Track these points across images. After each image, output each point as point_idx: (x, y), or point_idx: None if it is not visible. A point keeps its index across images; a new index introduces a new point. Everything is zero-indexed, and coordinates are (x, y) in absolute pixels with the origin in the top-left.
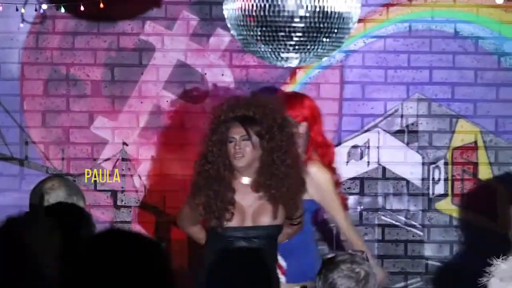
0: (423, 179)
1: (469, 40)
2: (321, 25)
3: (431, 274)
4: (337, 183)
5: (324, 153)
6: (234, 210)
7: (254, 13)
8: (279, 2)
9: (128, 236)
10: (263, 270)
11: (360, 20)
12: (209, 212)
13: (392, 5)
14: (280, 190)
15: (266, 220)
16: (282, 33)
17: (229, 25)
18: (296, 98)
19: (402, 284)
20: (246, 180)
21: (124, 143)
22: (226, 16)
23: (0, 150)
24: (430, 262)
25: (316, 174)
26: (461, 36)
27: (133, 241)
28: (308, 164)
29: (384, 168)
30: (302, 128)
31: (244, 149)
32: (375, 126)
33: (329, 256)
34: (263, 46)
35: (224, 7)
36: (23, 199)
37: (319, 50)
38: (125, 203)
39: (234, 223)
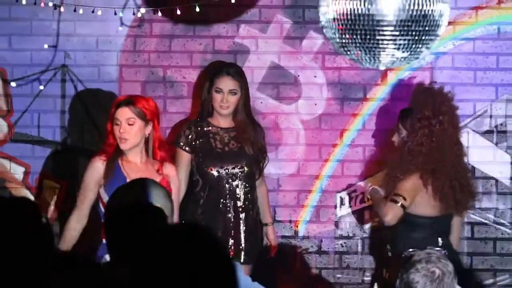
0: (511, 178)
1: None
2: (413, 29)
3: None
4: None
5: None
6: None
7: (348, 17)
8: (373, 6)
9: None
10: None
11: (449, 23)
12: None
13: (481, 8)
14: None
15: None
16: (375, 37)
17: (323, 29)
18: (143, 98)
19: (491, 281)
20: None
21: None
22: (321, 20)
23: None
24: None
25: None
26: None
27: None
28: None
29: (473, 168)
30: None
31: None
32: (465, 126)
33: (409, 254)
34: (356, 49)
35: (319, 10)
36: None
37: (410, 52)
38: None
39: None
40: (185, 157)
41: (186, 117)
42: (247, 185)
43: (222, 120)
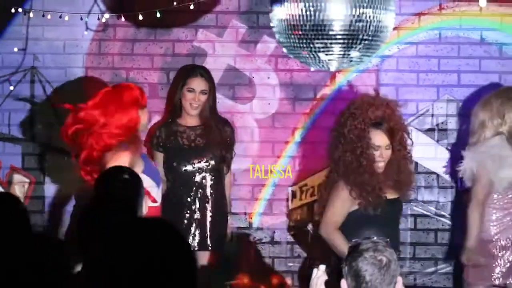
0: (451, 173)
1: (494, 46)
2: (359, 33)
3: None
4: None
5: None
6: None
7: (297, 22)
8: (321, 12)
9: None
10: None
11: (394, 28)
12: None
13: (424, 14)
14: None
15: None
16: (323, 40)
17: (275, 33)
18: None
19: (433, 269)
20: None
21: None
22: (272, 25)
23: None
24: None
25: None
26: (486, 42)
27: None
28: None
29: (416, 163)
30: None
31: (387, 156)
32: (408, 124)
33: (353, 244)
34: (305, 52)
35: (271, 16)
36: None
37: (334, 56)
38: None
39: None
40: (160, 156)
41: (159, 120)
42: (213, 177)
43: (190, 120)
